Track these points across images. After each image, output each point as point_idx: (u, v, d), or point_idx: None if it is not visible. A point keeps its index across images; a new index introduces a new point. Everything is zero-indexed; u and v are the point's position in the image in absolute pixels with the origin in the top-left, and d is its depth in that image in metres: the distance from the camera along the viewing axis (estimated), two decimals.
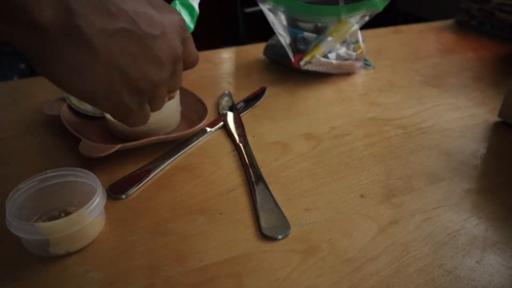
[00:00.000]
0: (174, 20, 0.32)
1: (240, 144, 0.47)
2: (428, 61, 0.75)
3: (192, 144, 0.48)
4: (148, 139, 0.44)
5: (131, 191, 0.40)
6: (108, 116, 0.47)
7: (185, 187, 0.41)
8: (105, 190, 0.36)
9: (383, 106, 0.58)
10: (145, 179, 0.41)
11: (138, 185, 0.41)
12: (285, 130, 0.51)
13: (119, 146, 0.42)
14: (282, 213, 0.37)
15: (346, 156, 0.46)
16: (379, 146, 0.48)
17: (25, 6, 0.24)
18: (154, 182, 0.42)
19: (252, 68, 0.71)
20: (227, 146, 0.48)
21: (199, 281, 0.31)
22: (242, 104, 0.57)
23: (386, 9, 0.64)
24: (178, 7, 0.39)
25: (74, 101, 0.51)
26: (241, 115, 0.54)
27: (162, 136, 0.46)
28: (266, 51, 0.72)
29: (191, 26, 0.40)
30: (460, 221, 0.37)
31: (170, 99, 0.49)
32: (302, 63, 0.63)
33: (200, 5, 0.41)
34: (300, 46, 0.65)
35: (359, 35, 0.68)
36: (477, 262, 0.33)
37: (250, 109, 0.56)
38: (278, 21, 0.65)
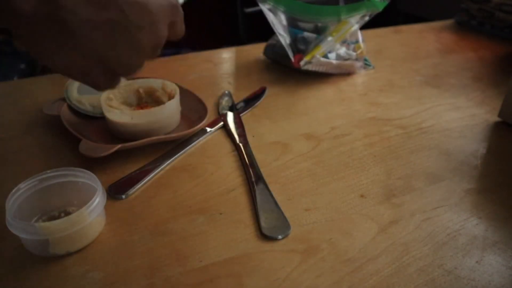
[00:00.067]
0: (166, 6, 0.31)
1: (240, 144, 0.47)
2: (428, 61, 0.75)
3: (192, 144, 0.48)
4: (148, 139, 0.44)
5: (131, 191, 0.40)
6: (108, 116, 0.47)
7: (185, 187, 0.41)
8: (105, 190, 0.36)
9: (383, 106, 0.58)
10: (145, 179, 0.41)
11: (138, 185, 0.41)
12: (285, 130, 0.51)
13: (119, 146, 0.42)
14: (282, 213, 0.37)
15: (346, 156, 0.46)
16: (379, 146, 0.48)
17: None
18: (154, 182, 0.42)
19: (252, 68, 0.71)
20: (227, 146, 0.48)
21: (199, 281, 0.31)
22: (242, 104, 0.57)
23: (386, 9, 0.64)
24: None
25: (74, 101, 0.51)
26: (241, 115, 0.54)
27: (162, 136, 0.46)
28: (266, 51, 0.72)
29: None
30: (460, 221, 0.37)
31: (170, 99, 0.49)
32: (302, 63, 0.63)
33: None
34: (300, 46, 0.65)
35: (359, 35, 0.68)
36: (477, 262, 0.33)
37: (250, 109, 0.56)
38: (278, 21, 0.65)
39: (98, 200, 0.33)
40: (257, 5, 0.66)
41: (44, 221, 0.36)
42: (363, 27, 0.67)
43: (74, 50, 0.28)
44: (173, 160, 0.45)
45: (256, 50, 0.77)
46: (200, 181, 0.42)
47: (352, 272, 0.32)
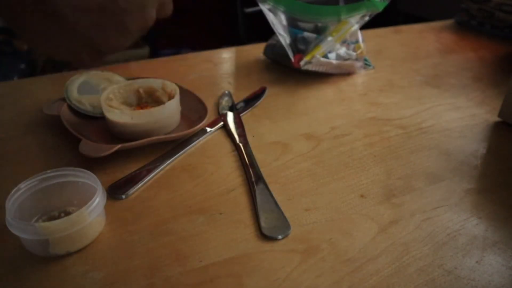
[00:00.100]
0: None
1: (240, 144, 0.47)
2: (428, 61, 0.75)
3: (192, 144, 0.48)
4: (148, 139, 0.44)
5: (131, 191, 0.40)
6: (108, 116, 0.47)
7: (185, 187, 0.41)
8: (105, 190, 0.36)
9: (383, 106, 0.58)
10: (145, 179, 0.41)
11: (138, 185, 0.41)
12: (285, 130, 0.51)
13: (119, 146, 0.42)
14: (282, 213, 0.37)
15: (346, 156, 0.46)
16: (379, 146, 0.48)
17: None
18: (154, 182, 0.42)
19: (252, 68, 0.71)
20: (227, 146, 0.48)
21: (199, 281, 0.31)
22: (242, 104, 0.57)
23: (386, 9, 0.64)
24: None
25: (74, 101, 0.51)
26: (241, 115, 0.54)
27: (162, 136, 0.46)
28: (266, 51, 0.72)
29: None
30: (460, 221, 0.37)
31: (170, 99, 0.49)
32: (302, 63, 0.63)
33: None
34: (300, 46, 0.65)
35: (359, 35, 0.68)
36: (477, 262, 0.33)
37: (250, 109, 0.56)
38: (278, 21, 0.65)
39: (98, 200, 0.33)
40: (257, 5, 0.66)
41: (44, 221, 0.36)
42: (363, 27, 0.67)
43: (62, 33, 0.28)
44: (173, 160, 0.45)
45: (256, 50, 0.77)
46: (200, 181, 0.42)
47: (352, 272, 0.32)
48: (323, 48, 0.63)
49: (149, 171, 0.42)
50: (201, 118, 0.50)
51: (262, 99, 0.59)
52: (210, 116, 0.53)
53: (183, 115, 0.52)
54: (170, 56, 0.76)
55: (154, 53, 2.07)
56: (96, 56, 0.32)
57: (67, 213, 0.36)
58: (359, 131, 0.51)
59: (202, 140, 0.49)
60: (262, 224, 0.36)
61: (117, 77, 0.56)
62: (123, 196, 0.39)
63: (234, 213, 0.38)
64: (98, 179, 0.35)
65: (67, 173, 0.37)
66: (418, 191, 0.41)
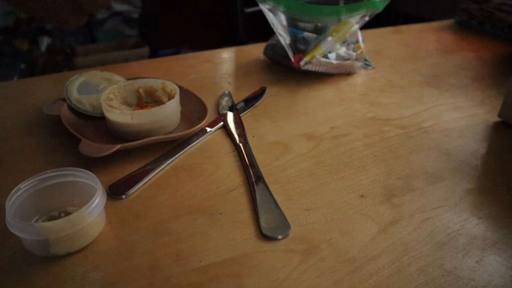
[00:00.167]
0: None
1: (240, 144, 0.47)
2: (428, 61, 0.75)
3: (192, 144, 0.48)
4: (148, 139, 0.44)
5: (131, 191, 0.40)
6: (108, 116, 0.47)
7: (185, 187, 0.41)
8: (105, 190, 0.36)
9: (383, 106, 0.58)
10: (145, 179, 0.41)
11: (138, 185, 0.41)
12: (285, 130, 0.51)
13: (119, 146, 0.42)
14: (282, 213, 0.37)
15: (346, 156, 0.46)
16: (379, 146, 0.48)
17: None
18: (154, 182, 0.42)
19: (252, 68, 0.71)
20: (227, 146, 0.48)
21: (199, 281, 0.31)
22: (242, 104, 0.57)
23: (386, 9, 0.64)
24: None
25: (74, 101, 0.51)
26: (241, 115, 0.54)
27: (162, 136, 0.46)
28: (266, 51, 0.72)
29: None
30: (460, 221, 0.37)
31: (170, 99, 0.49)
32: (302, 63, 0.63)
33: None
34: (300, 46, 0.65)
35: (359, 35, 0.68)
36: (477, 262, 0.33)
37: (250, 109, 0.56)
38: (278, 21, 0.65)
39: (98, 200, 0.33)
40: (257, 5, 0.66)
41: (44, 221, 0.36)
42: (363, 27, 0.67)
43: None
44: (173, 160, 0.45)
45: (256, 50, 0.77)
46: (200, 181, 0.42)
47: (352, 272, 0.32)
48: (323, 48, 0.63)
49: (149, 171, 0.42)
50: (201, 118, 0.50)
51: (262, 99, 0.59)
52: (210, 116, 0.53)
53: (183, 115, 0.52)
54: (170, 56, 0.76)
55: (154, 53, 2.07)
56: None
57: (67, 213, 0.36)
58: (359, 131, 0.51)
59: (202, 140, 0.49)
60: (262, 224, 0.36)
61: (117, 77, 0.56)
62: (123, 196, 0.39)
63: (234, 213, 0.38)
64: (98, 179, 0.35)
65: (67, 173, 0.36)
66: (418, 191, 0.41)
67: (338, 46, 0.66)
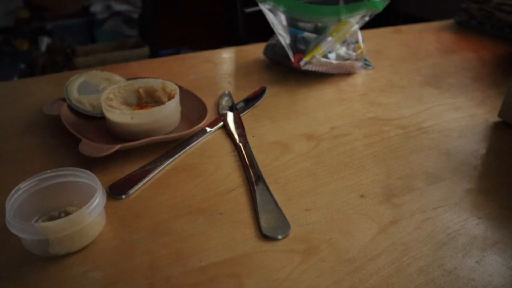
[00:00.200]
0: None
1: (240, 144, 0.47)
2: (428, 61, 0.75)
3: (192, 144, 0.48)
4: (148, 139, 0.44)
5: (131, 191, 0.40)
6: (108, 116, 0.47)
7: (185, 187, 0.41)
8: (105, 190, 0.36)
9: (383, 106, 0.58)
10: (145, 179, 0.41)
11: (138, 185, 0.41)
12: (285, 130, 0.51)
13: (119, 146, 0.42)
14: (282, 213, 0.37)
15: (346, 156, 0.46)
16: (379, 146, 0.48)
17: None
18: (154, 182, 0.42)
19: (252, 68, 0.71)
20: (227, 146, 0.48)
21: (199, 281, 0.31)
22: (242, 104, 0.57)
23: (386, 9, 0.64)
24: None
25: (74, 101, 0.51)
26: (241, 115, 0.54)
27: (162, 136, 0.46)
28: (266, 51, 0.72)
29: None
30: (460, 221, 0.37)
31: (170, 99, 0.49)
32: (302, 63, 0.63)
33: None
34: (300, 46, 0.65)
35: (359, 35, 0.68)
36: (477, 262, 0.33)
37: (250, 109, 0.56)
38: (278, 21, 0.65)
39: (98, 200, 0.33)
40: (257, 5, 0.66)
41: (44, 221, 0.36)
42: (363, 27, 0.67)
43: None
44: (173, 160, 0.45)
45: (256, 50, 0.77)
46: (200, 181, 0.42)
47: (352, 272, 0.32)
48: (323, 48, 0.63)
49: (149, 171, 0.42)
50: (201, 118, 0.50)
51: (262, 99, 0.59)
52: (210, 116, 0.53)
53: (183, 115, 0.52)
54: (170, 56, 0.76)
55: (154, 53, 2.07)
56: None
57: (67, 213, 0.36)
58: (359, 131, 0.51)
59: (202, 140, 0.49)
60: (262, 224, 0.36)
61: (117, 77, 0.56)
62: (123, 196, 0.39)
63: (234, 213, 0.38)
64: (98, 179, 0.35)
65: (67, 173, 0.36)
66: (418, 191, 0.41)
67: (338, 46, 0.66)
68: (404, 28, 0.95)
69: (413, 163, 0.45)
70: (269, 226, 0.36)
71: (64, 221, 0.31)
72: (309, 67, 0.64)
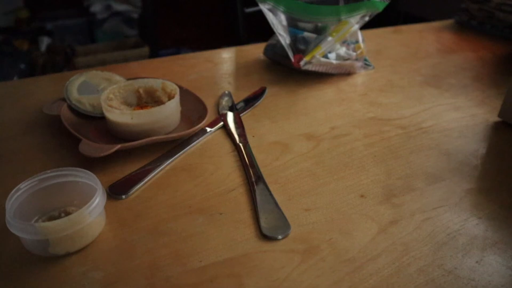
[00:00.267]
0: None
1: (240, 144, 0.47)
2: (428, 61, 0.75)
3: (192, 144, 0.48)
4: (148, 139, 0.44)
5: (131, 191, 0.40)
6: (108, 116, 0.47)
7: (185, 187, 0.41)
8: (105, 190, 0.36)
9: (383, 106, 0.58)
10: (145, 179, 0.41)
11: (138, 185, 0.41)
12: (285, 130, 0.51)
13: (119, 146, 0.42)
14: (282, 213, 0.37)
15: (346, 156, 0.46)
16: (379, 146, 0.48)
17: None
18: (154, 182, 0.42)
19: (252, 68, 0.71)
20: (227, 146, 0.48)
21: (199, 281, 0.31)
22: (242, 104, 0.57)
23: (386, 9, 0.64)
24: None
25: (74, 101, 0.51)
26: (241, 115, 0.54)
27: (162, 136, 0.46)
28: (266, 51, 0.72)
29: None
30: (460, 221, 0.37)
31: (170, 99, 0.49)
32: (302, 63, 0.63)
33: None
34: (300, 46, 0.65)
35: (359, 35, 0.68)
36: (477, 262, 0.33)
37: (250, 109, 0.56)
38: (278, 21, 0.65)
39: (98, 200, 0.33)
40: (257, 5, 0.66)
41: (44, 221, 0.36)
42: (363, 27, 0.67)
43: None
44: (173, 160, 0.45)
45: (256, 50, 0.77)
46: (200, 181, 0.42)
47: (352, 272, 0.32)
48: (323, 48, 0.63)
49: (149, 171, 0.42)
50: (201, 118, 0.50)
51: (262, 99, 0.59)
52: (210, 116, 0.53)
53: (183, 115, 0.52)
54: (170, 56, 0.76)
55: (154, 53, 2.07)
56: None
57: (67, 213, 0.36)
58: (359, 131, 0.51)
59: (202, 140, 0.49)
60: (262, 224, 0.36)
61: (117, 77, 0.56)
62: (123, 196, 0.39)
63: (234, 213, 0.38)
64: (98, 179, 0.35)
65: (67, 173, 0.36)
66: (418, 191, 0.41)
67: (338, 46, 0.66)
68: (404, 28, 0.95)
69: (413, 163, 0.45)
70: (269, 226, 0.36)
71: (64, 221, 0.31)
72: (309, 67, 0.64)
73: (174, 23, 2.33)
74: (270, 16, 0.66)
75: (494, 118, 0.55)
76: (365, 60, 0.71)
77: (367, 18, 0.65)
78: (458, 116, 0.55)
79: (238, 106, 0.57)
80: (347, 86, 0.64)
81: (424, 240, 0.35)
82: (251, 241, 0.34)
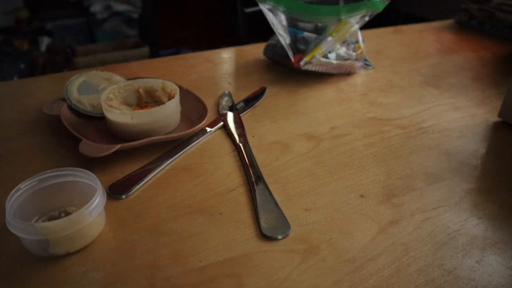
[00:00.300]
0: None
1: (240, 144, 0.47)
2: (428, 61, 0.75)
3: (192, 144, 0.48)
4: (148, 139, 0.44)
5: (131, 191, 0.40)
6: (108, 116, 0.47)
7: (185, 187, 0.41)
8: (105, 190, 0.36)
9: (383, 106, 0.58)
10: (145, 179, 0.41)
11: (138, 185, 0.41)
12: (285, 130, 0.51)
13: (119, 146, 0.42)
14: (282, 213, 0.37)
15: (346, 156, 0.46)
16: (379, 146, 0.48)
17: None
18: (154, 182, 0.42)
19: (252, 68, 0.71)
20: (227, 146, 0.48)
21: (199, 281, 0.31)
22: (242, 104, 0.57)
23: (386, 9, 0.64)
24: None
25: (74, 101, 0.51)
26: (241, 115, 0.54)
27: (162, 136, 0.46)
28: (266, 51, 0.72)
29: None
30: (460, 221, 0.37)
31: (170, 99, 0.49)
32: (302, 63, 0.63)
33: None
34: (300, 46, 0.65)
35: (359, 35, 0.68)
36: (477, 262, 0.33)
37: (250, 109, 0.56)
38: (278, 21, 0.65)
39: (98, 200, 0.33)
40: (257, 5, 0.66)
41: (44, 221, 0.36)
42: (363, 27, 0.67)
43: None
44: (173, 160, 0.45)
45: (256, 50, 0.77)
46: (200, 181, 0.42)
47: (352, 272, 0.32)
48: (323, 48, 0.63)
49: (149, 171, 0.42)
50: (201, 118, 0.50)
51: (262, 99, 0.59)
52: (210, 116, 0.53)
53: (183, 115, 0.52)
54: (170, 56, 0.76)
55: (154, 53, 2.07)
56: None
57: (67, 213, 0.36)
58: (359, 131, 0.51)
59: (202, 140, 0.49)
60: (262, 224, 0.36)
61: (117, 77, 0.56)
62: (123, 196, 0.39)
63: (234, 213, 0.38)
64: (98, 179, 0.35)
65: (67, 173, 0.36)
66: (418, 191, 0.41)
67: (338, 46, 0.66)
68: (404, 28, 0.95)
69: (413, 163, 0.45)
70: (269, 226, 0.36)
71: (64, 221, 0.31)
72: (309, 67, 0.64)
73: (174, 23, 2.33)
74: (270, 16, 0.65)
75: (494, 118, 0.55)
76: (365, 60, 0.71)
77: (367, 18, 0.65)
78: (458, 116, 0.55)
79: (238, 106, 0.57)
80: (347, 86, 0.64)
81: (424, 240, 0.35)
82: (251, 241, 0.34)
